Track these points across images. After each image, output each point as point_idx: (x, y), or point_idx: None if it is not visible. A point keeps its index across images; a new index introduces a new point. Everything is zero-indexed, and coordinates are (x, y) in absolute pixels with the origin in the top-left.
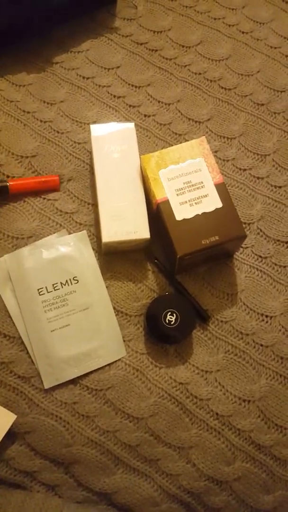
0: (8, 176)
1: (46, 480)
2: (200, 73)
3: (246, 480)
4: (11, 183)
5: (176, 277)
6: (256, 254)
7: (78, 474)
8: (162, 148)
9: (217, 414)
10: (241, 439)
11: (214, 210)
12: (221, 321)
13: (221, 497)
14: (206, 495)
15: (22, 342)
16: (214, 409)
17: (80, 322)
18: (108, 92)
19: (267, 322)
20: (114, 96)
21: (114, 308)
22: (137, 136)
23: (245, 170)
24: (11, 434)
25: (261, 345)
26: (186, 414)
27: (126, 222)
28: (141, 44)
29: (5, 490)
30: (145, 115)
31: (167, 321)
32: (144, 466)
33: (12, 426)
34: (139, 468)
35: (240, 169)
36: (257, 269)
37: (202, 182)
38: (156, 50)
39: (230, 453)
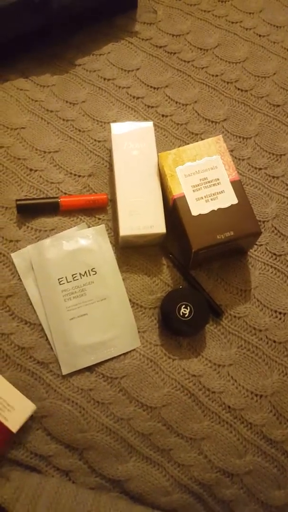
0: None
1: (61, 465)
2: (217, 75)
3: (257, 474)
4: (62, 200)
5: (190, 272)
6: (270, 252)
7: (92, 460)
8: (179, 147)
9: (229, 407)
10: (253, 433)
11: (230, 206)
12: (234, 317)
13: (232, 490)
14: (217, 487)
15: (42, 329)
16: (227, 402)
17: (97, 312)
18: (128, 93)
19: (280, 318)
20: (133, 97)
21: (129, 300)
22: (155, 136)
23: (260, 169)
24: (29, 418)
25: (274, 341)
26: (199, 406)
27: (143, 217)
28: (160, 47)
29: (22, 472)
30: (162, 115)
31: (181, 314)
32: (156, 455)
33: None
34: (151, 457)
35: (256, 168)
36: (271, 266)
37: (218, 179)
38: (175, 53)
39: (242, 446)
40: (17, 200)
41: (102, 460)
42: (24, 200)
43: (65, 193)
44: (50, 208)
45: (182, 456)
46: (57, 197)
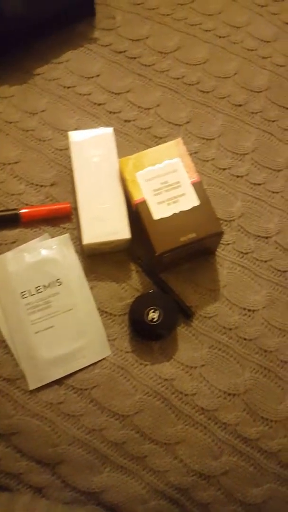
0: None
1: (33, 482)
2: (178, 78)
3: (233, 474)
4: (23, 211)
5: (159, 275)
6: (237, 250)
7: (65, 474)
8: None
9: (202, 409)
10: (227, 433)
11: (191, 208)
12: (205, 317)
13: (209, 492)
14: (194, 490)
15: (7, 345)
16: (200, 404)
17: (64, 323)
18: (89, 100)
19: (249, 316)
20: (95, 104)
21: (98, 308)
22: (118, 141)
23: (224, 169)
24: None
25: (244, 339)
26: (172, 410)
27: (106, 224)
28: (120, 52)
29: None
30: (125, 121)
31: (149, 318)
32: (131, 464)
33: None
34: (126, 465)
35: (220, 168)
36: (239, 264)
37: (178, 182)
38: (135, 58)
39: (217, 447)
40: None
41: (76, 473)
42: None
43: (27, 204)
44: (10, 221)
45: (157, 462)
46: (16, 209)
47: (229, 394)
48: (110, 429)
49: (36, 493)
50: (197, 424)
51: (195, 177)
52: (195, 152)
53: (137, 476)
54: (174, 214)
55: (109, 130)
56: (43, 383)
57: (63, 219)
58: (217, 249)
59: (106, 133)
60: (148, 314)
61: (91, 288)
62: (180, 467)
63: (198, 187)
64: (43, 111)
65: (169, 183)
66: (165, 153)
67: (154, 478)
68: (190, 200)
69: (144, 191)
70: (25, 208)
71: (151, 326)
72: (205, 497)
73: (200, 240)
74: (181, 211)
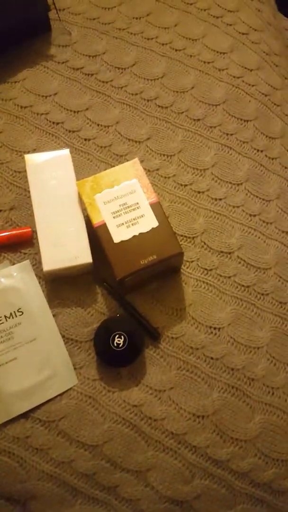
0: None
1: None
2: (136, 94)
3: (206, 498)
4: None
5: (125, 297)
6: (201, 267)
7: (36, 510)
8: (105, 170)
9: (172, 433)
10: (198, 456)
11: (151, 229)
12: (172, 338)
13: None
14: None
15: None
16: (169, 428)
17: (27, 354)
18: (47, 119)
19: (215, 334)
20: (53, 123)
21: (63, 335)
22: (79, 161)
23: (186, 185)
24: None
25: (211, 358)
26: (142, 437)
27: (66, 249)
28: (77, 69)
29: None
30: (85, 139)
31: (115, 344)
32: (103, 494)
33: None
34: (97, 496)
35: (181, 185)
36: (203, 282)
37: (137, 203)
38: (92, 74)
39: (188, 471)
40: None
41: (47, 508)
42: None
43: None
44: None
45: (129, 491)
46: None
47: (198, 416)
48: (79, 461)
49: None
50: (167, 449)
51: (153, 198)
52: (156, 169)
53: (110, 506)
54: (134, 237)
55: (66, 152)
56: (9, 418)
57: (24, 244)
58: (182, 267)
59: (63, 154)
60: (113, 340)
61: (55, 315)
62: (152, 495)
63: (156, 207)
64: (0, 132)
65: (127, 204)
66: (122, 174)
67: (127, 507)
68: (149, 222)
69: (103, 214)
70: None
71: (117, 352)
72: None
73: (161, 262)
74: (140, 233)
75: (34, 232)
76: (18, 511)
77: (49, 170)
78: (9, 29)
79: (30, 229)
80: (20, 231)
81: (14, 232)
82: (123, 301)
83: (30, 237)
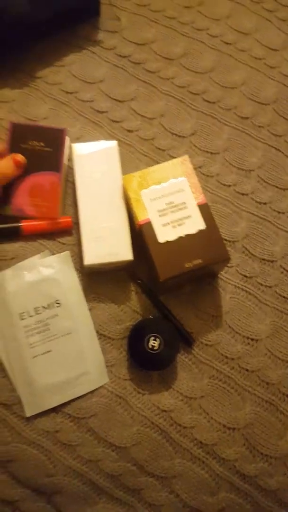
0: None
1: (28, 510)
2: (183, 86)
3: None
4: (24, 224)
5: (160, 298)
6: (241, 274)
7: (60, 504)
8: (145, 164)
9: (201, 442)
10: (226, 468)
11: (197, 232)
12: (206, 345)
13: None
14: None
15: (4, 369)
16: (198, 437)
17: (62, 348)
18: (91, 107)
19: (252, 345)
20: (97, 111)
21: (96, 331)
22: (120, 152)
23: (229, 186)
24: None
25: (247, 369)
26: (170, 443)
27: (108, 244)
28: (125, 57)
29: None
30: (128, 131)
31: (150, 346)
32: (126, 496)
33: None
34: (121, 497)
35: (224, 185)
36: (242, 289)
37: (184, 203)
38: (140, 63)
39: (214, 483)
40: None
41: (71, 503)
42: None
43: (27, 218)
44: (11, 233)
45: (153, 495)
46: (18, 222)
47: (229, 428)
48: (106, 461)
49: None
50: (195, 459)
51: (201, 199)
52: (199, 167)
53: (132, 508)
54: (180, 238)
55: (113, 144)
56: (40, 410)
57: (63, 233)
58: (220, 272)
59: (110, 147)
60: (148, 341)
61: (90, 309)
62: (175, 502)
63: (204, 209)
64: (45, 118)
65: (174, 203)
66: (170, 171)
67: None
68: (196, 223)
69: (149, 212)
70: (26, 222)
71: (151, 355)
72: None
73: (206, 266)
74: (186, 235)
75: (74, 223)
76: None
77: (95, 162)
78: (60, 12)
79: (70, 219)
80: (61, 220)
81: (59, 222)
82: (158, 302)
83: (70, 227)
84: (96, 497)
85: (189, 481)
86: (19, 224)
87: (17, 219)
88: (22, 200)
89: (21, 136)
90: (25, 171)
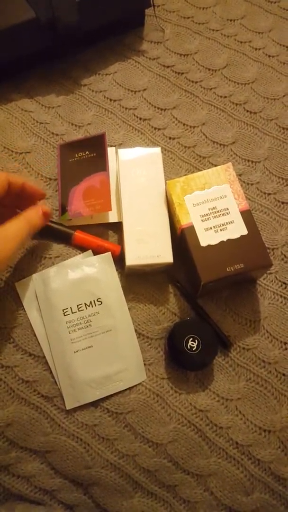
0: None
1: (66, 499)
2: (225, 96)
3: None
4: (77, 234)
5: (198, 301)
6: (280, 281)
7: (96, 496)
8: (186, 170)
9: (236, 443)
10: (261, 469)
11: (239, 237)
12: (243, 348)
13: None
14: None
15: (46, 362)
16: (234, 438)
17: (102, 344)
18: (134, 115)
19: None
20: (140, 119)
21: (135, 330)
22: (162, 159)
23: (269, 194)
24: (33, 452)
25: (284, 374)
26: (206, 442)
27: (149, 246)
28: (168, 67)
29: (27, 506)
30: (170, 138)
31: (188, 347)
32: (162, 491)
33: (34, 445)
34: (157, 493)
35: (265, 193)
36: (281, 296)
37: (227, 209)
38: (182, 73)
39: (249, 483)
40: None
41: (107, 495)
42: None
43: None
44: (61, 237)
45: (188, 492)
46: (72, 230)
47: (265, 430)
48: (143, 456)
49: (67, 510)
50: (230, 458)
51: (244, 205)
52: (239, 175)
53: (167, 504)
54: (221, 242)
55: (157, 150)
56: (80, 404)
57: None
58: (259, 278)
59: (154, 153)
60: (187, 342)
61: (129, 309)
62: (210, 500)
63: (247, 215)
64: (89, 124)
65: (217, 209)
66: (213, 178)
67: (184, 508)
68: (239, 229)
69: (191, 216)
70: (79, 233)
71: (190, 355)
72: None
73: (247, 272)
74: (228, 239)
75: (117, 224)
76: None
77: (140, 167)
78: (105, 23)
79: (120, 248)
80: (111, 246)
81: (105, 244)
82: (196, 305)
83: (117, 255)
84: (132, 491)
85: (224, 480)
86: (73, 232)
87: (73, 228)
88: (77, 204)
89: (68, 153)
90: (78, 179)
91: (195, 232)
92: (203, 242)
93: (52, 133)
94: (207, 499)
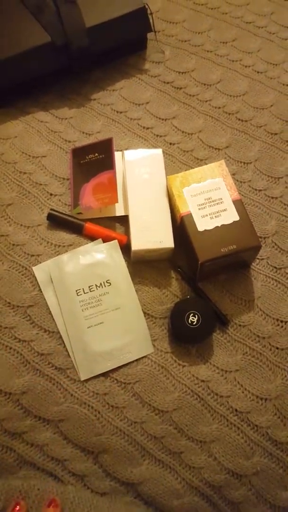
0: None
1: (76, 470)
2: (219, 107)
3: (264, 475)
4: (88, 225)
5: (198, 284)
6: (271, 265)
7: (106, 464)
8: (185, 171)
9: (236, 410)
10: (259, 434)
11: (232, 222)
12: (239, 325)
13: (241, 491)
14: (227, 488)
15: (60, 337)
16: (234, 405)
17: (112, 321)
18: (139, 124)
19: (282, 326)
20: (144, 128)
21: (141, 310)
22: (164, 161)
23: (260, 190)
24: (47, 421)
25: (277, 348)
26: (208, 410)
27: (153, 233)
28: (168, 83)
29: (40, 479)
30: (170, 143)
31: (189, 322)
32: (168, 458)
33: (47, 414)
34: (164, 460)
35: (256, 189)
36: (272, 278)
37: (221, 199)
38: (181, 88)
39: (249, 448)
40: (51, 209)
41: (116, 463)
42: (56, 212)
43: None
44: (74, 228)
45: (192, 458)
46: (83, 222)
47: (261, 399)
48: (150, 423)
49: (78, 482)
50: (231, 425)
51: (236, 195)
52: (233, 174)
53: (174, 471)
54: (216, 227)
55: (159, 151)
56: (93, 375)
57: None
58: (252, 263)
59: (156, 153)
60: (188, 317)
61: (136, 291)
62: (214, 465)
63: (238, 204)
64: (98, 132)
65: (212, 199)
66: (209, 173)
67: (189, 474)
68: (231, 215)
69: (190, 205)
70: (90, 224)
71: (191, 329)
72: (236, 496)
73: (240, 252)
74: (222, 225)
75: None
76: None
77: (143, 165)
78: (113, 46)
79: (126, 238)
80: (118, 236)
81: (113, 234)
82: (195, 287)
83: (124, 244)
84: (140, 458)
85: (226, 445)
86: (83, 223)
87: (84, 220)
88: (88, 199)
89: (80, 155)
90: (89, 178)
91: (193, 219)
92: (200, 228)
93: (65, 140)
94: (210, 464)
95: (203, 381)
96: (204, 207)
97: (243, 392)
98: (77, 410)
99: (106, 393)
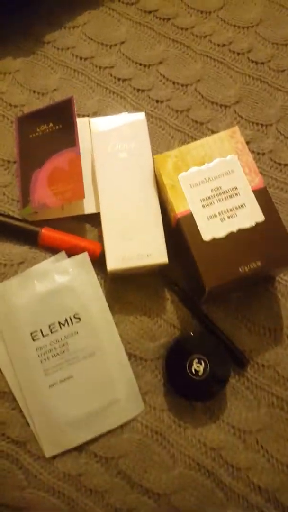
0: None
1: None
2: (224, 45)
3: None
4: (44, 231)
5: (202, 308)
6: None
7: None
8: (179, 141)
9: (259, 487)
10: None
11: (254, 225)
12: (263, 365)
13: None
14: None
15: (14, 399)
16: (256, 481)
17: (85, 372)
18: (111, 75)
19: None
20: (119, 79)
21: (125, 351)
22: (148, 128)
23: (286, 165)
24: (10, 510)
25: None
26: (220, 488)
27: (136, 243)
28: (150, 12)
29: None
30: (157, 101)
31: (193, 371)
32: None
33: (7, 499)
34: None
35: (280, 164)
36: None
37: (236, 188)
38: (169, 19)
39: None
40: None
41: None
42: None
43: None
44: (24, 237)
45: None
46: (38, 227)
47: None
48: (141, 510)
49: None
50: (252, 507)
51: (258, 182)
52: (247, 142)
53: None
54: (231, 234)
55: (141, 116)
56: (62, 450)
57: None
58: (279, 274)
59: (136, 120)
60: (191, 365)
61: (116, 324)
62: None
63: (262, 195)
64: (55, 90)
65: (222, 189)
66: (216, 148)
67: None
68: (252, 214)
69: (189, 201)
70: (47, 230)
71: (196, 383)
72: None
73: (266, 270)
74: (239, 229)
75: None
76: None
77: (119, 140)
78: None
79: (100, 248)
80: (90, 245)
81: (82, 243)
82: (200, 313)
83: (97, 256)
84: None
85: None
86: (38, 229)
87: (39, 224)
88: (42, 192)
89: (28, 127)
90: (42, 160)
91: (194, 222)
92: (206, 235)
93: (10, 105)
94: None
95: (213, 448)
96: (212, 203)
97: (269, 461)
98: (44, 499)
99: (81, 474)
